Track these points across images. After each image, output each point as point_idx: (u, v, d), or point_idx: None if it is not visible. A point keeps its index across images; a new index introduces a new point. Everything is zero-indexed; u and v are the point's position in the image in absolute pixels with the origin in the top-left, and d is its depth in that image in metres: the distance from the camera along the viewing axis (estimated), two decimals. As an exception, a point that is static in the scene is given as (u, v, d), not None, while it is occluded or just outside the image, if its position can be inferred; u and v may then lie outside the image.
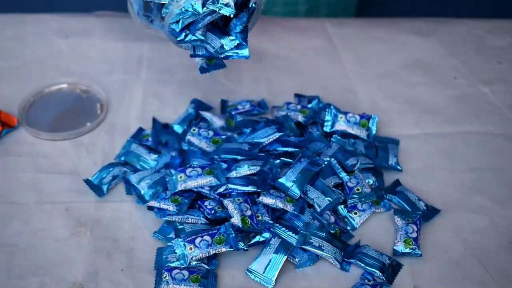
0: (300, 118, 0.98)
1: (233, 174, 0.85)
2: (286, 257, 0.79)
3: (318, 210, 0.83)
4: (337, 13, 1.44)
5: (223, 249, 0.79)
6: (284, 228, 0.81)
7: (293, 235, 0.80)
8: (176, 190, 0.82)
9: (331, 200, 0.83)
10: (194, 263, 0.78)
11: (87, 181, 0.90)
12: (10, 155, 0.96)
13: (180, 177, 0.83)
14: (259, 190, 0.84)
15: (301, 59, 1.15)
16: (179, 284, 0.76)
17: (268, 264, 0.78)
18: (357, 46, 1.20)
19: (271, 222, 0.82)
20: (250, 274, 0.78)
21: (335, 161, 0.90)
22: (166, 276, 0.77)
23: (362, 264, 0.79)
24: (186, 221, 0.83)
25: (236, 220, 0.80)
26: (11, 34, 1.21)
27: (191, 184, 0.83)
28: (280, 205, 0.83)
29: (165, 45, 1.12)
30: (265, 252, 0.79)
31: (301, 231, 0.81)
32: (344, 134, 0.97)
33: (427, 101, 1.08)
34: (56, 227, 0.85)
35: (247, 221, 0.80)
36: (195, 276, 0.77)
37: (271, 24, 1.24)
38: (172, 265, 0.79)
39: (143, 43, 1.19)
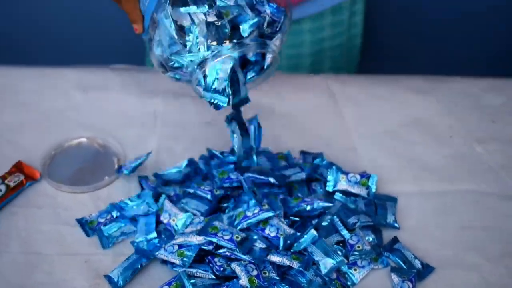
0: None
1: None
2: None
3: (324, 272, 0.89)
4: (340, 67, 1.49)
5: None
6: (288, 287, 0.88)
7: None
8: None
9: (335, 263, 0.90)
10: None
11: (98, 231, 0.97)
12: (33, 206, 1.02)
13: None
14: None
15: (306, 116, 1.21)
16: None
17: None
18: (359, 104, 1.26)
19: (277, 278, 0.89)
20: None
21: (338, 219, 0.97)
22: None
23: None
24: (195, 275, 0.89)
25: (243, 281, 0.85)
26: (31, 87, 1.27)
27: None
28: (287, 262, 0.89)
29: (178, 101, 1.23)
30: None
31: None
32: (346, 192, 1.04)
33: (424, 160, 1.14)
34: (76, 278, 0.91)
35: (254, 281, 0.86)
36: None
37: (278, 80, 1.28)
38: None
39: (157, 98, 1.26)
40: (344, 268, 0.93)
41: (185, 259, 0.89)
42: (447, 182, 1.11)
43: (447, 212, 1.05)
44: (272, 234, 0.91)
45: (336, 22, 1.43)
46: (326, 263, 0.90)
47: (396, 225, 1.01)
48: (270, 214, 0.92)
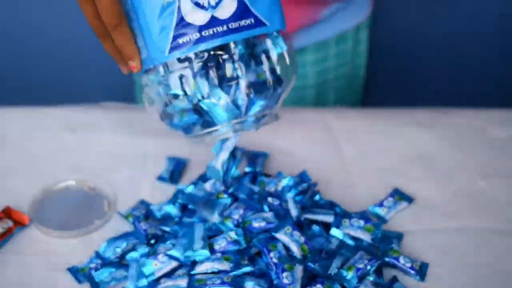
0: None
1: None
2: None
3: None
4: (344, 97, 1.56)
5: None
6: None
7: None
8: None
9: None
10: None
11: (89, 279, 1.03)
12: (23, 253, 1.08)
13: None
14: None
15: (306, 153, 1.27)
16: None
17: None
18: (359, 139, 1.32)
19: None
20: None
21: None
22: None
23: None
24: None
25: None
26: (17, 128, 1.33)
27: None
28: None
29: (169, 141, 1.30)
30: None
31: None
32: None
33: (426, 196, 1.20)
34: None
35: None
36: None
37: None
38: None
39: (148, 138, 1.33)
40: None
41: None
42: (450, 219, 1.17)
43: (450, 250, 1.10)
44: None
45: (340, 51, 1.49)
46: None
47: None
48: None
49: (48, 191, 1.21)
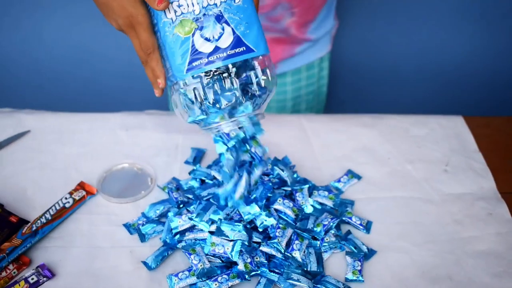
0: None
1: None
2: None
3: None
4: (312, 107, 1.56)
5: (237, 281, 0.90)
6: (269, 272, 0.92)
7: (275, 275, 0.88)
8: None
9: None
10: None
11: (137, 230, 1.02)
12: (92, 213, 1.08)
13: (175, 280, 0.87)
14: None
15: (284, 145, 1.24)
16: None
17: None
18: (323, 136, 1.30)
19: (266, 261, 0.94)
20: None
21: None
22: None
23: None
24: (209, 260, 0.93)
25: (241, 266, 0.90)
26: (86, 128, 1.31)
27: (183, 284, 0.88)
28: (273, 252, 0.94)
29: (193, 136, 1.28)
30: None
31: (284, 271, 0.92)
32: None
33: (370, 175, 1.19)
34: (124, 264, 0.96)
35: (248, 266, 0.88)
36: None
37: (266, 120, 1.32)
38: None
39: (179, 134, 1.30)
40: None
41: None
42: (386, 191, 1.16)
43: (386, 212, 1.10)
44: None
45: (309, 75, 1.49)
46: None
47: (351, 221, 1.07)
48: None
49: (109, 170, 1.19)
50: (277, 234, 0.90)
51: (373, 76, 2.22)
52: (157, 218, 0.99)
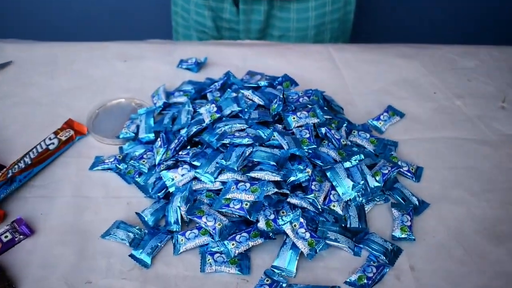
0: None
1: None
2: (300, 251, 0.72)
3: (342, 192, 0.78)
4: (338, 35, 1.36)
5: (259, 241, 0.73)
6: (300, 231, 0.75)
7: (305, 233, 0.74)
8: (180, 252, 0.74)
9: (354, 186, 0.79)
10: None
11: (135, 182, 0.84)
12: (82, 156, 0.90)
13: (181, 240, 0.75)
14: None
15: (313, 77, 1.07)
16: (220, 265, 0.71)
17: (287, 259, 0.72)
18: (355, 67, 1.12)
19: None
20: (275, 270, 0.71)
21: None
22: (209, 259, 0.72)
23: (370, 249, 0.74)
24: (224, 214, 0.77)
25: (261, 224, 0.74)
26: (83, 57, 1.14)
27: (190, 245, 0.74)
28: (305, 205, 0.77)
29: (204, 68, 1.07)
30: (283, 250, 0.73)
31: (319, 228, 0.74)
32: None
33: (413, 112, 1.01)
34: (120, 218, 0.79)
35: (270, 224, 0.74)
36: (233, 259, 0.72)
37: (287, 49, 1.17)
38: (213, 249, 0.73)
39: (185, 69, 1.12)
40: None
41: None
42: (434, 131, 0.97)
43: (435, 155, 0.92)
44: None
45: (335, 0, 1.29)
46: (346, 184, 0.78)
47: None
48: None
49: (103, 106, 1.00)
50: (312, 187, 0.76)
51: (407, 3, 1.96)
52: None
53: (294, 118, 0.85)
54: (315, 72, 1.11)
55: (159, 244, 0.75)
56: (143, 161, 0.85)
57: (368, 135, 0.90)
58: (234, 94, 0.92)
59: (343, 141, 0.86)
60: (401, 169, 0.87)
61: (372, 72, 1.12)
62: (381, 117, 0.99)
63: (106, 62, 1.13)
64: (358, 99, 1.04)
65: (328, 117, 0.89)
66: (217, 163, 0.78)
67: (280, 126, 0.86)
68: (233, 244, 0.72)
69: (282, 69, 1.06)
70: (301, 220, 0.74)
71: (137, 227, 0.77)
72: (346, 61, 1.15)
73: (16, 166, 0.83)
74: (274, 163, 0.77)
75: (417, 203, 0.82)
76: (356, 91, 1.07)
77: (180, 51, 1.16)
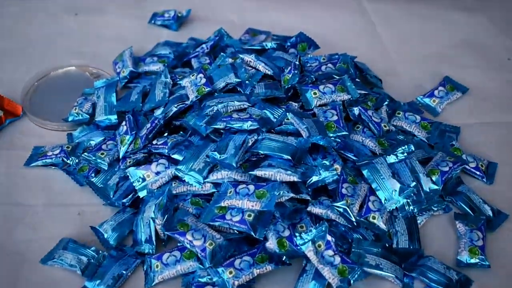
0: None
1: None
2: (327, 283, 0.69)
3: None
4: None
5: (268, 268, 0.70)
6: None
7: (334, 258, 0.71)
8: (154, 284, 0.71)
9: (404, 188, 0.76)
10: None
11: (90, 183, 0.81)
12: (15, 148, 0.87)
13: (157, 266, 0.72)
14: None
15: (339, 38, 1.06)
16: None
17: None
18: (397, 24, 1.11)
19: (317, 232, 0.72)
20: None
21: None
22: None
23: (426, 280, 0.70)
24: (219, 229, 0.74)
25: (271, 244, 0.70)
26: (15, 10, 1.12)
27: (169, 273, 0.71)
28: (332, 216, 0.73)
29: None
30: (302, 281, 0.70)
31: (353, 250, 0.71)
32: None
33: (480, 86, 0.99)
34: (68, 234, 0.76)
35: (284, 243, 0.71)
36: None
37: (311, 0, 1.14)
38: (202, 280, 0.70)
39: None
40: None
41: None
42: (510, 112, 0.96)
43: None
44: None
45: None
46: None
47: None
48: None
49: (45, 77, 0.98)
50: (343, 191, 0.74)
51: None
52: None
53: (315, 93, 0.82)
54: (342, 30, 1.09)
55: (124, 272, 0.71)
56: (102, 154, 0.82)
57: (418, 118, 0.88)
58: (230, 60, 0.89)
59: (384, 125, 0.83)
60: (466, 166, 0.84)
61: (422, 31, 1.11)
62: (436, 92, 0.96)
63: (48, 17, 1.11)
64: (402, 68, 1.03)
65: (363, 92, 0.87)
66: (207, 156, 0.76)
67: (296, 104, 0.83)
68: (230, 273, 0.69)
69: (295, 26, 1.03)
70: (328, 238, 0.70)
71: (92, 248, 0.73)
72: (385, 15, 1.14)
73: None
74: (289, 157, 0.74)
75: (491, 213, 0.79)
76: (399, 57, 1.05)
77: (153, 1, 1.15)
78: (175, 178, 0.78)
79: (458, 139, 0.89)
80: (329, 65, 0.91)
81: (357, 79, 0.91)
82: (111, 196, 0.79)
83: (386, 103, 0.88)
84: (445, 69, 1.02)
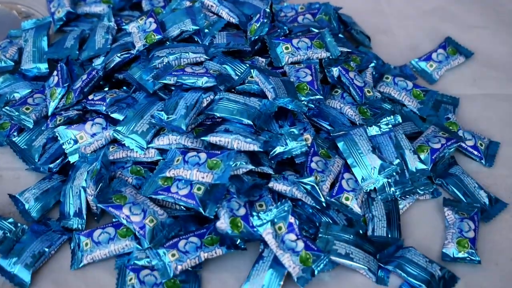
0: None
1: None
2: (286, 272, 0.71)
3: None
4: None
5: (218, 252, 0.72)
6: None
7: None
8: (81, 265, 0.73)
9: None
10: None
11: (11, 143, 0.83)
12: None
13: (86, 244, 0.73)
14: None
15: None
16: None
17: (264, 284, 0.71)
18: None
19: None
20: None
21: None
22: (131, 279, 0.71)
23: (404, 274, 0.73)
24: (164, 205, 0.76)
25: (223, 224, 0.72)
26: None
27: (100, 253, 0.73)
28: (298, 194, 0.76)
29: None
30: (257, 269, 0.72)
31: (320, 235, 0.74)
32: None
33: (488, 51, 1.03)
34: None
35: (238, 224, 0.73)
36: (172, 281, 0.71)
37: None
38: (139, 263, 0.72)
39: None
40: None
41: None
42: None
43: None
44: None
45: None
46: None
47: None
48: None
49: None
50: (313, 165, 0.75)
51: None
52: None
53: (287, 48, 0.84)
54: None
55: (46, 250, 0.73)
56: (27, 109, 0.83)
57: (410, 85, 0.91)
58: (187, 3, 0.90)
59: (367, 91, 0.85)
60: (462, 144, 0.87)
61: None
62: (434, 55, 0.99)
63: None
64: (396, 24, 1.06)
65: (345, 50, 0.89)
66: (152, 117, 0.77)
67: (263, 60, 0.85)
68: (173, 255, 0.71)
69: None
70: (291, 219, 0.72)
71: (10, 220, 0.75)
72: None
73: None
74: (250, 122, 0.76)
75: (487, 201, 0.82)
76: (393, 10, 1.08)
77: None
78: (114, 141, 0.79)
79: (456, 112, 0.92)
80: (308, 15, 0.92)
81: (340, 35, 0.92)
82: (36, 160, 0.80)
83: (372, 64, 0.90)
84: (447, 28, 1.05)
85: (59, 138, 0.79)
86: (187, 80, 0.79)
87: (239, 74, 0.81)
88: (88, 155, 0.78)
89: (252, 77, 0.81)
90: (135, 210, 0.72)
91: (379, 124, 0.81)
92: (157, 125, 0.77)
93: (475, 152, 0.87)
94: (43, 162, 0.80)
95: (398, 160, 0.78)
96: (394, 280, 0.74)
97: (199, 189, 0.72)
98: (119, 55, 0.84)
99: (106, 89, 0.84)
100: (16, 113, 0.82)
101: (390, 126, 0.81)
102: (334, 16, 0.93)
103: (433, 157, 0.82)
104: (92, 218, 0.77)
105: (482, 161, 0.87)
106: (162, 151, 0.77)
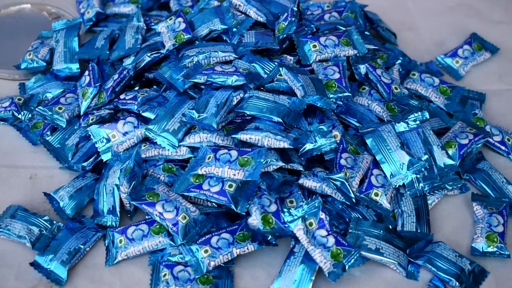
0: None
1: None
2: (317, 268, 0.72)
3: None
4: None
5: (250, 248, 0.72)
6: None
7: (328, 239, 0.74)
8: (116, 261, 0.74)
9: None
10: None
11: (44, 142, 0.83)
12: None
13: (120, 241, 0.74)
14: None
15: None
16: (183, 286, 0.71)
17: (296, 280, 0.71)
18: None
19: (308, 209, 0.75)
20: None
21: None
22: (165, 275, 0.71)
23: (433, 269, 0.73)
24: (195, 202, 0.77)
25: (254, 220, 0.73)
26: None
27: (134, 250, 0.74)
28: (327, 191, 0.76)
29: None
30: (289, 264, 0.72)
31: (350, 230, 0.74)
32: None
33: None
34: (17, 201, 0.79)
35: (270, 220, 0.73)
36: (205, 277, 0.71)
37: None
38: (173, 259, 0.73)
39: None
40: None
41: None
42: None
43: None
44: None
45: None
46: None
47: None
48: None
49: None
50: (342, 162, 0.76)
51: None
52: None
53: (315, 46, 0.84)
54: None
55: (81, 247, 0.74)
56: (60, 109, 0.84)
57: (437, 81, 0.90)
58: (215, 3, 0.90)
59: (395, 87, 0.85)
60: (490, 139, 0.87)
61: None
62: (460, 52, 0.99)
63: None
64: (421, 21, 1.06)
65: (372, 47, 0.89)
66: (183, 115, 0.78)
67: (292, 58, 0.85)
68: (206, 251, 0.72)
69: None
70: (322, 215, 0.73)
71: (45, 218, 0.76)
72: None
73: None
74: (280, 120, 0.76)
75: None
76: (418, 7, 1.08)
77: None
78: (145, 139, 0.80)
79: (483, 107, 0.92)
80: (334, 13, 0.92)
81: (366, 32, 0.92)
82: (69, 159, 0.81)
83: (399, 61, 0.90)
84: (472, 24, 1.05)
85: (91, 137, 0.80)
86: (217, 78, 0.79)
87: (268, 72, 0.81)
88: (121, 153, 0.79)
89: (280, 75, 0.81)
90: (168, 207, 0.73)
91: (407, 120, 0.80)
92: (188, 123, 0.77)
93: (503, 147, 0.87)
94: (77, 161, 0.81)
95: (426, 156, 0.78)
96: (424, 274, 0.74)
97: (230, 186, 0.73)
98: (149, 54, 0.85)
99: (137, 88, 0.85)
100: (49, 113, 0.83)
101: (417, 122, 0.81)
102: (360, 13, 0.93)
103: (461, 153, 0.82)
104: (125, 215, 0.77)
105: (509, 156, 0.87)
106: (193, 149, 0.78)
